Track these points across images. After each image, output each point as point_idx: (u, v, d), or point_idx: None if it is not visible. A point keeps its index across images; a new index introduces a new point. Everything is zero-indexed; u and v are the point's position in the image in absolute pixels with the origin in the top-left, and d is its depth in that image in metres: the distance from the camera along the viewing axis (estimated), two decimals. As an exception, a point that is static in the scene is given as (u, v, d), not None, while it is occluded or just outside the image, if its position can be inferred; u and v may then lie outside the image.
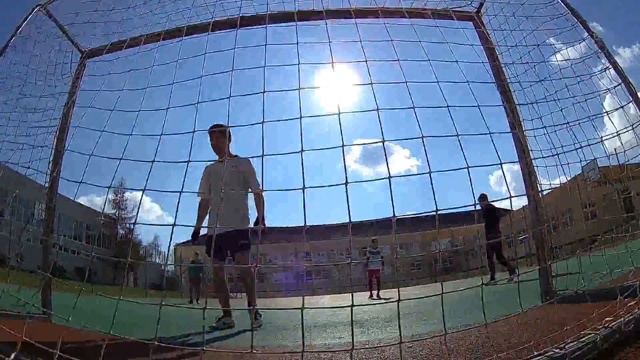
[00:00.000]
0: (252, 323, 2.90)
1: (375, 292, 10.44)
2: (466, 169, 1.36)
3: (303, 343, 1.24)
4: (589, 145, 2.01)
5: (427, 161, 1.41)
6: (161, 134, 1.51)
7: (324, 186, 1.34)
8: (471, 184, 1.39)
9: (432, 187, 1.37)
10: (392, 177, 1.31)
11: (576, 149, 1.99)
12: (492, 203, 7.38)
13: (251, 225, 3.66)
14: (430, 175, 1.38)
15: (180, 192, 1.37)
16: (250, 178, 3.71)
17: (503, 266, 7.31)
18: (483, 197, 7.61)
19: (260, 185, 3.32)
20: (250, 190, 3.77)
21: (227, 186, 3.59)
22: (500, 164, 1.52)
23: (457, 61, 1.69)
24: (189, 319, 4.12)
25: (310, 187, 1.27)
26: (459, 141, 1.44)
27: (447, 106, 1.48)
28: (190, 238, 3.62)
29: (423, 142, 1.40)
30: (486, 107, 1.76)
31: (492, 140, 1.52)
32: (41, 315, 2.66)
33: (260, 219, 3.60)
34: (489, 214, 7.32)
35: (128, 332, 2.23)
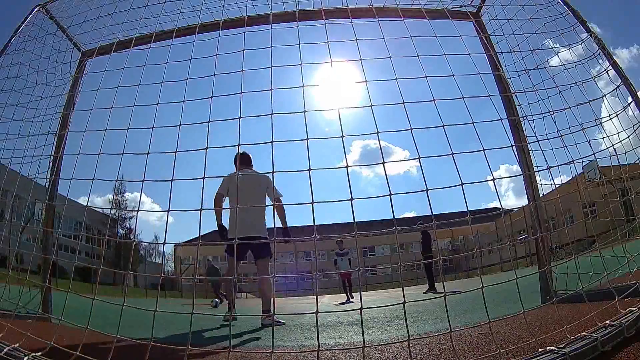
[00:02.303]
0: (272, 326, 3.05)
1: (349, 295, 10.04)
2: (460, 186, 1.46)
3: (318, 342, 1.32)
4: (590, 154, 2.01)
5: (424, 178, 1.49)
6: (176, 151, 1.54)
7: (331, 201, 1.45)
8: (465, 200, 1.47)
9: (430, 203, 1.47)
10: (392, 194, 1.41)
11: (581, 158, 1.99)
12: (427, 230, 9.61)
13: (272, 233, 3.99)
14: (427, 193, 1.46)
15: (201, 210, 1.44)
16: (270, 189, 3.99)
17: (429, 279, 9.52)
18: (421, 226, 9.65)
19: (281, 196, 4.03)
20: (270, 200, 4.05)
21: (251, 194, 3.94)
22: (493, 179, 1.57)
23: (453, 75, 1.72)
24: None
25: (318, 201, 1.37)
26: (453, 159, 1.51)
27: (443, 125, 1.57)
28: (221, 235, 3.89)
29: (420, 162, 1.50)
30: (485, 99, 1.78)
31: (485, 158, 1.57)
32: (41, 316, 2.66)
33: (284, 229, 4.04)
34: (426, 238, 9.56)
35: (136, 333, 2.23)
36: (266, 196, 4.02)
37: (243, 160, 4.14)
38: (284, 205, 4.05)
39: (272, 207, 3.99)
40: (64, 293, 2.19)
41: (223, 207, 4.01)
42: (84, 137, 1.82)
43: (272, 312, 3.32)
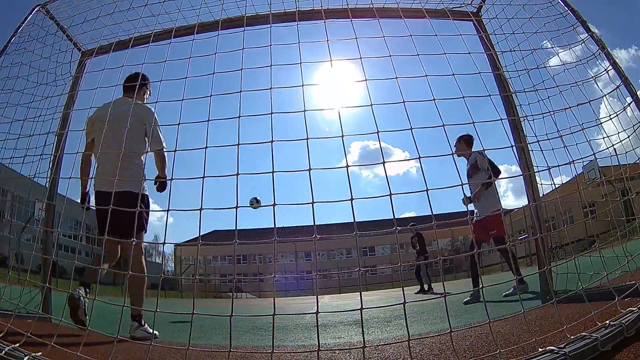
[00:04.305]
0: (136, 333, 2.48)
1: None
2: (461, 186, 1.46)
3: (318, 342, 1.33)
4: (590, 154, 2.01)
5: (424, 178, 1.49)
6: (175, 150, 1.54)
7: (331, 201, 1.44)
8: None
9: (430, 204, 1.45)
10: (392, 194, 1.41)
11: (581, 158, 1.98)
12: (420, 232, 9.68)
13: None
14: (427, 192, 1.46)
15: (201, 209, 1.45)
16: (149, 127, 2.75)
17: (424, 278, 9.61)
18: (414, 227, 9.45)
19: (163, 143, 2.76)
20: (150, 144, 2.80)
21: (119, 133, 2.47)
22: (494, 179, 1.57)
23: (453, 74, 1.72)
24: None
25: (318, 201, 1.36)
26: (454, 159, 1.53)
27: (443, 125, 1.57)
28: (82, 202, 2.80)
29: (420, 162, 1.49)
30: (485, 100, 1.79)
31: (485, 156, 1.54)
32: (40, 315, 2.66)
33: (160, 179, 2.76)
34: (420, 240, 9.53)
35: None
36: (145, 138, 2.77)
37: (129, 85, 2.84)
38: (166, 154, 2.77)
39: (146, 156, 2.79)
40: (64, 293, 2.20)
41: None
42: (82, 135, 1.81)
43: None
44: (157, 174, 2.80)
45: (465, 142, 4.59)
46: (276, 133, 1.46)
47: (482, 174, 4.15)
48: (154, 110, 2.82)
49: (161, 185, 2.73)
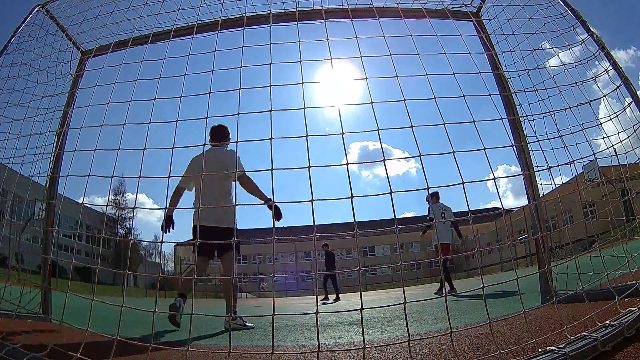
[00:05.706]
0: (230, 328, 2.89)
1: None
2: (461, 184, 1.48)
3: (318, 342, 1.33)
4: (590, 154, 2.00)
5: (425, 176, 1.49)
6: (173, 147, 1.53)
7: (331, 199, 1.44)
8: (466, 199, 1.49)
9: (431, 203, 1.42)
10: (393, 192, 1.42)
11: (581, 158, 1.98)
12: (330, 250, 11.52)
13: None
14: (427, 190, 1.47)
15: (199, 208, 1.40)
16: (232, 166, 3.37)
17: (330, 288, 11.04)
18: (326, 245, 11.65)
19: (243, 167, 3.47)
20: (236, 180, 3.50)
21: (216, 178, 3.45)
22: (494, 178, 1.57)
23: (454, 74, 1.71)
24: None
25: (318, 199, 1.37)
26: (454, 157, 1.51)
27: (444, 123, 1.57)
28: (165, 227, 3.24)
29: (421, 160, 1.50)
30: (484, 100, 1.79)
31: (486, 156, 1.57)
32: (40, 315, 2.66)
33: (271, 203, 3.17)
34: (329, 256, 11.46)
35: (136, 334, 2.23)
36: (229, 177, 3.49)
37: (214, 135, 3.65)
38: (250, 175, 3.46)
39: (236, 188, 3.51)
40: (64, 292, 2.19)
41: (197, 202, 3.34)
42: (81, 135, 1.82)
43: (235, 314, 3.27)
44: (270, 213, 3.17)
45: (436, 197, 7.07)
46: (276, 134, 1.45)
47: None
48: (235, 151, 3.49)
49: (273, 208, 3.07)
